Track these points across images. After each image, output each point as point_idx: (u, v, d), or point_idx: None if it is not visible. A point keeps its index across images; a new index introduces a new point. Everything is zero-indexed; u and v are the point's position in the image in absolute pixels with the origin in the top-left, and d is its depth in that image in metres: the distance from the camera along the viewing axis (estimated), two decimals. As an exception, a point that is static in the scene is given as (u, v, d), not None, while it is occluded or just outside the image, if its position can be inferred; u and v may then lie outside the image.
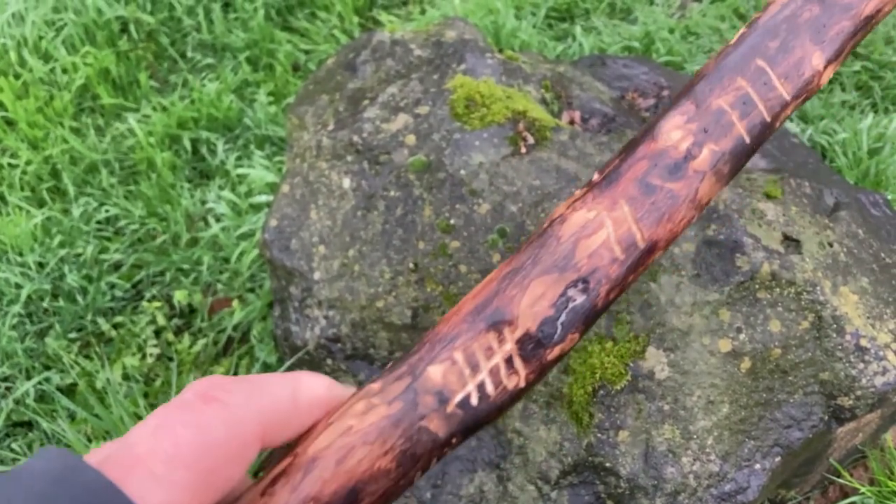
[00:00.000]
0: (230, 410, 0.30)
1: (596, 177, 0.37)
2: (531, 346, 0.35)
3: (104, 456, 0.29)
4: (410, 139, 1.18)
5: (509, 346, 0.34)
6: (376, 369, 1.19)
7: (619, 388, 1.01)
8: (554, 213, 0.37)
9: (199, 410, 0.30)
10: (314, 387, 0.33)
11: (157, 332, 1.66)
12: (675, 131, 0.37)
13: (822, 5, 0.41)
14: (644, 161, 0.37)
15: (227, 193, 1.86)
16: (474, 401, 0.33)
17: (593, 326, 1.04)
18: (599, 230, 0.35)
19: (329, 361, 1.23)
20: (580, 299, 0.35)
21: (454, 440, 0.33)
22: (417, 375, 0.33)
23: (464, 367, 0.33)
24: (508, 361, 0.34)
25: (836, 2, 0.41)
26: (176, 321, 1.68)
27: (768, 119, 0.39)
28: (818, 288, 0.99)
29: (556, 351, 0.35)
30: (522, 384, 0.35)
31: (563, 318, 0.35)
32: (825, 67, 0.40)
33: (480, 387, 0.33)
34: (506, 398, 0.34)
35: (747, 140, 0.38)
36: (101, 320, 1.68)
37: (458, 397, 0.33)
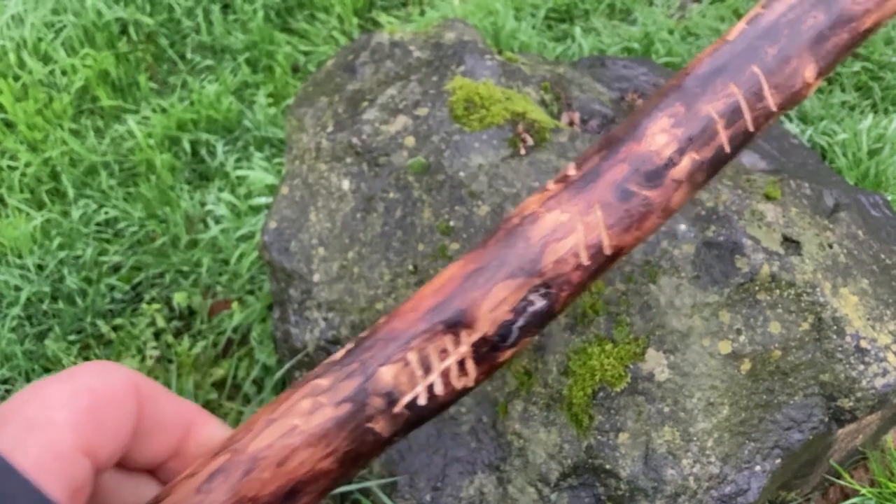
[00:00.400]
0: (99, 368, 0.30)
1: (573, 172, 0.36)
2: (486, 349, 0.34)
3: None
4: (410, 141, 1.18)
5: (464, 349, 0.33)
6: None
7: (618, 390, 1.01)
8: (525, 208, 0.35)
9: (70, 371, 0.30)
10: (187, 404, 0.33)
11: (157, 335, 1.66)
12: (660, 135, 0.36)
13: (827, 14, 0.39)
14: (625, 164, 0.36)
15: (226, 195, 1.86)
16: (422, 401, 0.33)
17: (594, 329, 1.04)
18: (570, 235, 0.34)
19: (328, 363, 1.23)
20: (540, 304, 0.34)
21: (396, 438, 0.33)
22: (369, 375, 0.32)
23: (416, 368, 0.33)
24: (461, 364, 0.33)
25: (842, 12, 0.39)
26: (175, 323, 1.68)
27: (752, 129, 0.38)
28: (818, 289, 0.99)
29: (509, 353, 0.35)
30: (471, 384, 0.34)
31: (520, 322, 0.34)
32: (815, 80, 0.39)
33: (430, 388, 0.33)
34: (453, 398, 0.34)
35: (727, 150, 0.38)
36: (100, 322, 1.68)
37: (407, 398, 0.33)
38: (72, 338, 1.68)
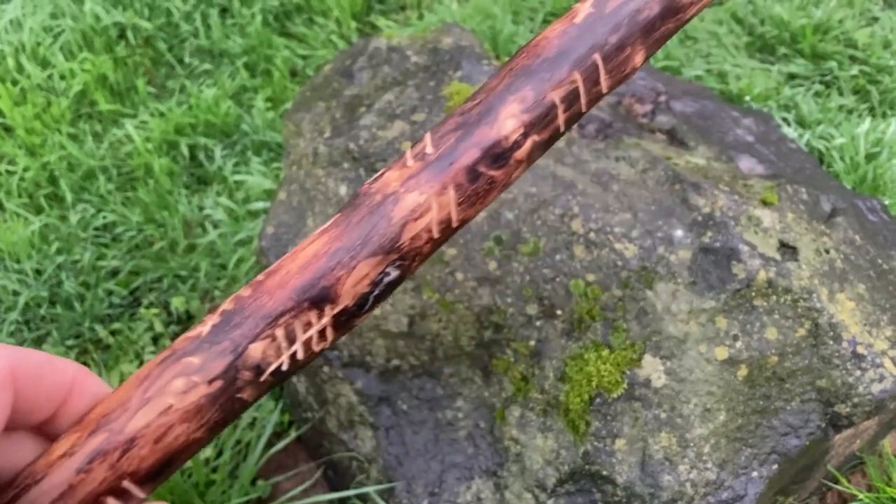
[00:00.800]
0: None
1: (430, 150, 0.38)
2: (345, 318, 0.37)
3: None
4: (406, 146, 1.18)
5: (326, 321, 0.36)
6: (373, 377, 1.19)
7: (615, 396, 1.01)
8: (387, 185, 0.38)
9: None
10: (67, 366, 0.33)
11: (155, 339, 1.66)
12: (510, 120, 0.39)
13: (661, 5, 0.41)
14: (477, 149, 0.38)
15: (224, 200, 1.86)
16: (285, 367, 0.36)
17: (591, 335, 1.04)
18: (426, 214, 0.37)
19: (326, 369, 1.23)
20: (394, 275, 0.37)
21: (259, 399, 0.36)
22: (239, 353, 0.34)
23: (282, 341, 0.35)
24: (322, 332, 0.36)
25: (672, 4, 0.42)
26: (173, 328, 1.68)
27: (584, 111, 0.41)
28: (815, 295, 0.99)
29: (364, 318, 0.38)
30: (328, 346, 0.37)
31: (376, 291, 0.37)
32: (640, 64, 0.42)
33: (293, 355, 0.36)
34: (312, 359, 0.37)
35: (562, 129, 0.41)
36: (98, 327, 1.68)
37: (272, 367, 0.35)
38: (70, 342, 1.68)
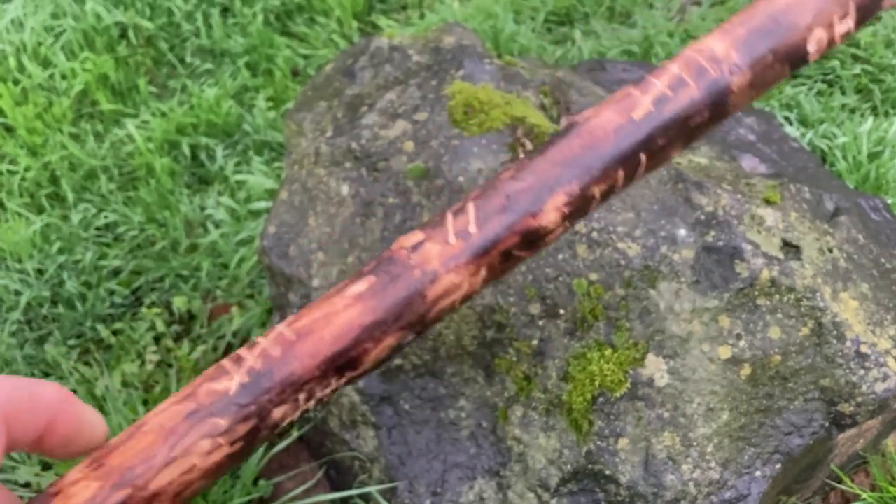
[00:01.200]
0: None
1: (473, 228, 0.38)
2: (357, 377, 0.38)
3: None
4: (409, 146, 1.17)
5: (343, 381, 0.37)
6: (375, 376, 1.18)
7: (618, 395, 1.01)
8: (428, 262, 0.38)
9: None
10: (48, 391, 0.33)
11: (157, 339, 1.66)
12: (553, 212, 0.40)
13: (710, 112, 0.42)
14: (519, 235, 0.39)
15: (225, 199, 1.86)
16: (296, 419, 0.37)
17: (594, 334, 1.04)
18: (456, 292, 0.38)
19: (328, 368, 1.23)
20: (410, 338, 0.39)
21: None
22: (264, 417, 0.35)
23: (302, 402, 0.36)
24: (335, 389, 0.37)
25: (722, 112, 0.42)
26: (175, 327, 1.68)
27: (611, 198, 0.43)
28: (818, 294, 0.99)
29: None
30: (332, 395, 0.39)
31: (393, 355, 0.39)
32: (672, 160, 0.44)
33: (305, 409, 0.37)
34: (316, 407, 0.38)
35: (588, 215, 0.44)
36: (100, 327, 1.68)
37: (286, 422, 0.36)
38: (71, 342, 1.68)
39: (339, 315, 0.36)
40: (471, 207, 0.39)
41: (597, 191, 0.40)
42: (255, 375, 0.35)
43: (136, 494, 0.32)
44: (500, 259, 0.39)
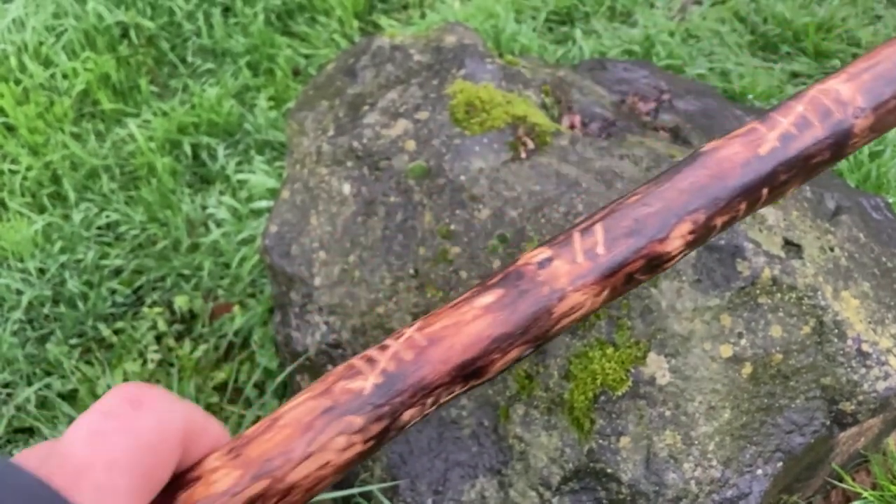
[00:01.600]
0: (158, 416, 0.31)
1: (602, 250, 0.40)
2: (478, 385, 0.40)
3: (38, 461, 0.30)
4: (410, 145, 1.18)
5: (466, 388, 0.38)
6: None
7: (620, 393, 1.01)
8: (556, 280, 0.39)
9: (131, 417, 0.31)
10: (218, 429, 0.35)
11: (158, 338, 1.66)
12: (678, 239, 0.41)
13: (831, 152, 0.43)
14: (644, 259, 0.40)
15: (227, 199, 1.86)
16: (417, 420, 0.38)
17: (595, 332, 1.04)
18: (579, 310, 0.40)
19: (330, 367, 1.23)
20: (530, 352, 0.40)
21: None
22: (395, 418, 0.36)
23: (428, 406, 0.37)
24: (456, 396, 0.39)
25: (841, 154, 0.43)
26: (177, 327, 1.68)
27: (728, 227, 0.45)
28: (819, 293, 0.99)
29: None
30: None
31: (512, 366, 0.42)
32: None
33: (426, 413, 0.38)
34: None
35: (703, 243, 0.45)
36: (101, 326, 1.68)
37: (411, 423, 0.37)
38: (73, 341, 1.68)
39: (468, 325, 0.38)
40: (598, 229, 0.41)
41: (719, 221, 0.42)
42: (388, 377, 0.36)
43: (274, 486, 0.33)
44: (623, 281, 0.40)
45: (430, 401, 0.37)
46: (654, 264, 0.41)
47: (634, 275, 0.40)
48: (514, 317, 0.38)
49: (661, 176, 0.43)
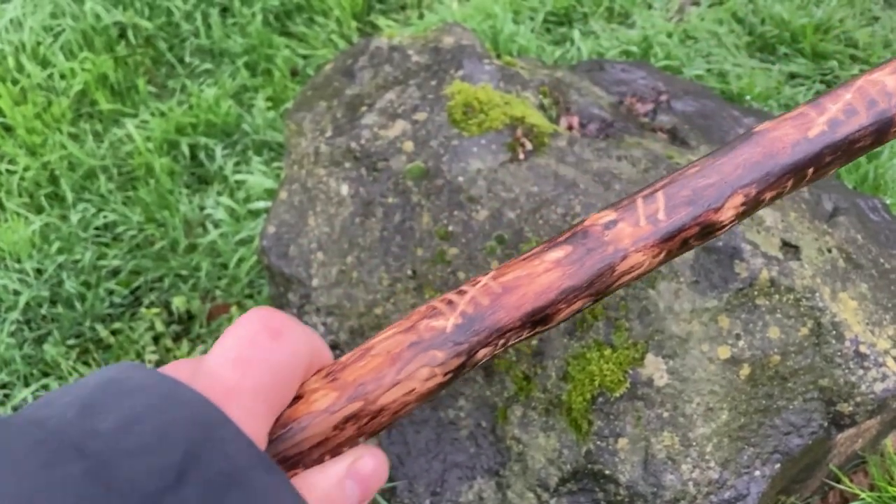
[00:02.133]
0: (293, 348, 0.35)
1: (663, 216, 0.45)
2: (541, 331, 0.44)
3: (188, 378, 0.32)
4: (408, 146, 1.18)
5: (533, 333, 0.43)
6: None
7: (618, 395, 1.01)
8: (621, 240, 0.44)
9: (270, 348, 0.35)
10: (328, 351, 0.40)
11: (156, 339, 1.66)
12: (730, 210, 0.45)
13: (873, 138, 0.48)
14: (700, 226, 0.45)
15: (225, 199, 1.86)
16: (487, 359, 0.42)
17: (593, 334, 1.04)
18: (638, 269, 0.44)
19: (327, 368, 1.23)
20: (588, 304, 0.44)
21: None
22: (472, 355, 0.41)
23: (499, 347, 0.42)
24: (524, 339, 0.43)
25: (882, 140, 0.49)
26: (174, 327, 1.68)
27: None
28: (817, 294, 0.99)
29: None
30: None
31: (574, 317, 0.44)
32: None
33: (496, 353, 0.43)
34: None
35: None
36: (99, 327, 1.68)
37: (482, 362, 0.42)
38: (70, 342, 1.68)
39: (540, 276, 0.43)
40: (660, 196, 0.45)
41: (768, 195, 0.46)
42: (467, 318, 0.41)
43: (367, 407, 0.38)
44: (679, 245, 0.45)
45: (501, 342, 0.41)
46: (708, 231, 0.45)
47: (689, 240, 0.44)
48: (581, 271, 0.42)
49: (718, 151, 0.47)
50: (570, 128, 1.27)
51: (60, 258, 1.78)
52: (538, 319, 0.42)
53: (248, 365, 0.33)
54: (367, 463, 0.37)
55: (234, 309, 1.65)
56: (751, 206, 0.46)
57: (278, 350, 0.34)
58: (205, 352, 1.60)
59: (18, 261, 1.80)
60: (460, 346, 0.40)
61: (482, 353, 0.40)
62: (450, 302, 0.41)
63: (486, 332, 0.41)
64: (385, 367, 0.39)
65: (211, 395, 0.31)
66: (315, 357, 0.37)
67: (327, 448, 0.38)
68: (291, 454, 0.37)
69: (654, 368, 1.00)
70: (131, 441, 0.28)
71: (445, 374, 0.39)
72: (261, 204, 1.81)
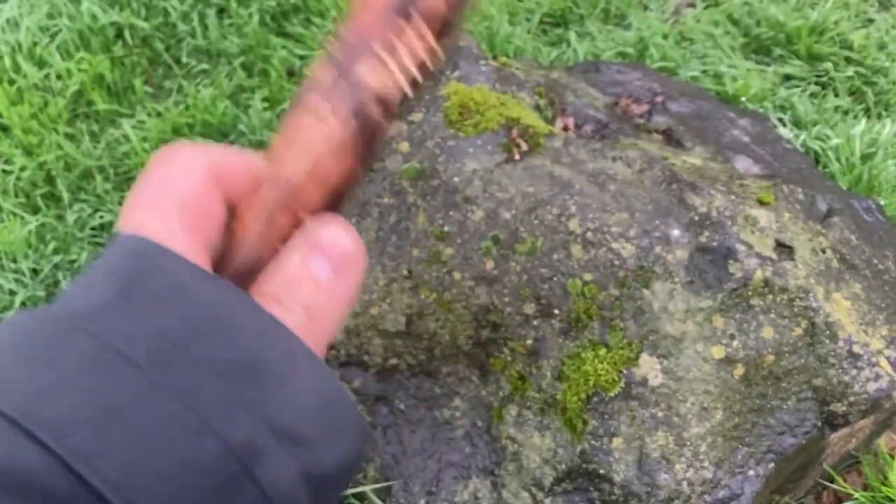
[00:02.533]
0: (180, 166, 0.34)
1: None
2: (442, 27, 0.38)
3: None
4: (404, 146, 1.18)
5: (424, 30, 0.37)
6: (370, 376, 1.19)
7: (612, 394, 1.01)
8: None
9: (164, 174, 0.33)
10: (253, 157, 0.37)
11: (152, 339, 1.66)
12: None
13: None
14: None
15: (221, 199, 1.86)
16: (407, 90, 0.37)
17: (588, 334, 1.04)
18: None
19: (323, 368, 1.23)
20: None
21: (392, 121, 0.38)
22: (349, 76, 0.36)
23: (391, 64, 0.36)
24: (426, 46, 0.37)
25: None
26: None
27: None
28: (811, 294, 0.99)
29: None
30: (439, 58, 0.38)
31: None
32: None
33: (410, 78, 0.37)
34: (428, 74, 0.38)
35: None
36: (95, 327, 1.68)
37: (395, 95, 0.36)
38: (66, 342, 1.68)
39: None
40: None
41: None
42: (335, 65, 0.36)
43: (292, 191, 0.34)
44: None
45: (384, 55, 0.36)
46: None
47: None
48: None
49: None
50: (565, 129, 1.27)
51: (56, 258, 1.78)
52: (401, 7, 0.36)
53: (144, 198, 0.33)
54: (324, 233, 0.33)
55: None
56: None
57: (171, 174, 0.33)
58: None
59: (14, 261, 1.80)
60: (338, 79, 0.35)
61: (365, 73, 0.35)
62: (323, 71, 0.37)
63: (354, 51, 0.36)
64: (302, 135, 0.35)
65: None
66: (219, 165, 0.35)
67: (271, 242, 0.34)
68: (243, 269, 0.34)
69: (649, 368, 1.00)
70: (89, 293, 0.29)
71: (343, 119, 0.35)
72: (257, 204, 1.81)
